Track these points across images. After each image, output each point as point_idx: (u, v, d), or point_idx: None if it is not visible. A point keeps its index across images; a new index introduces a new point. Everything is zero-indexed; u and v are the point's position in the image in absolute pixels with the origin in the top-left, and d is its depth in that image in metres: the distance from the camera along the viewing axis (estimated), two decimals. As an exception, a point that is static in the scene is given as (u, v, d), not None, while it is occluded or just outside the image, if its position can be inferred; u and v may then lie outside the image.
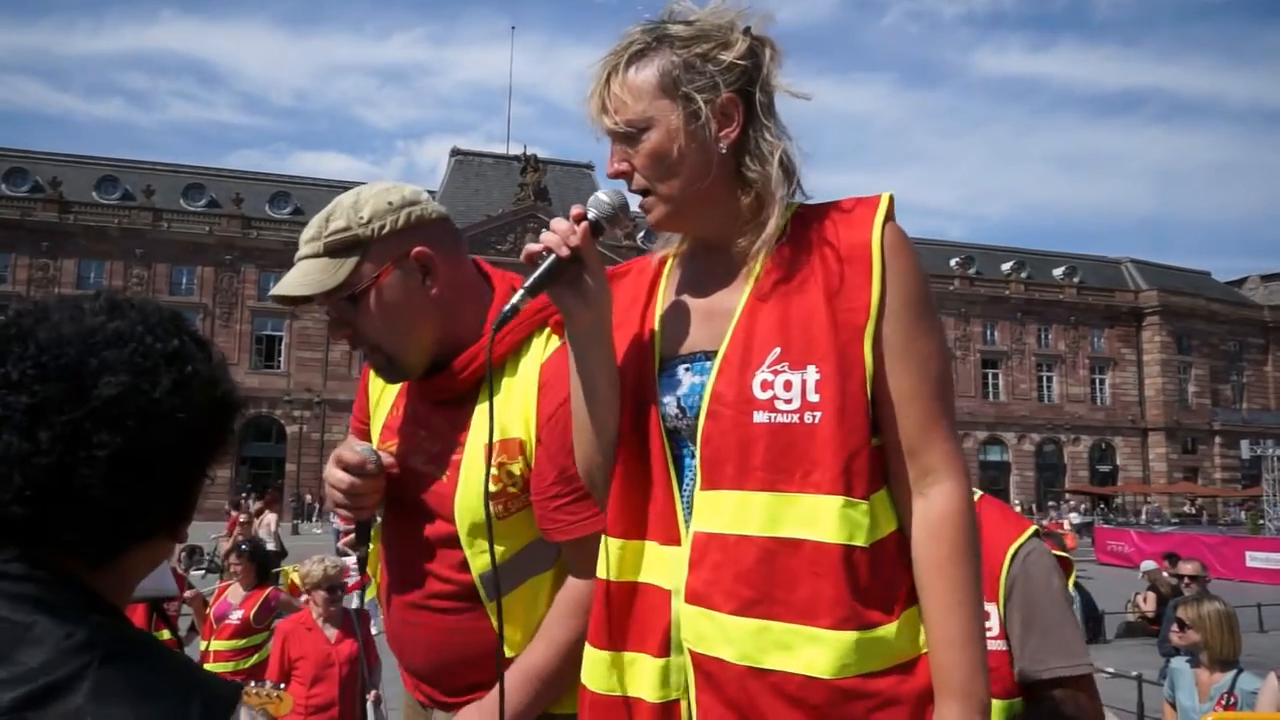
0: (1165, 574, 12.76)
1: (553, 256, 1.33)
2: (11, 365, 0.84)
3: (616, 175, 1.37)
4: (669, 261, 1.49)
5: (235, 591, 6.08)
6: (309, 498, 40.15)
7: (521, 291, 1.34)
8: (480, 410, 1.59)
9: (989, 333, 54.73)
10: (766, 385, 1.27)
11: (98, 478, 0.83)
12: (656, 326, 1.43)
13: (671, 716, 1.30)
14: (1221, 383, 58.69)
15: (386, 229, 1.56)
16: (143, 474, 0.86)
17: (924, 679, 1.24)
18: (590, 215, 1.37)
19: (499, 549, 1.54)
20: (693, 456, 1.35)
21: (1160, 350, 56.55)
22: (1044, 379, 55.90)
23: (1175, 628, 4.99)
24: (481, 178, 51.58)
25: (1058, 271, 59.15)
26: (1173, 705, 4.75)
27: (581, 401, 1.41)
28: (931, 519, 1.27)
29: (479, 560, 1.58)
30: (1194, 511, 45.56)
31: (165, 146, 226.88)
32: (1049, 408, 55.24)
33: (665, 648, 1.31)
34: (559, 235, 1.33)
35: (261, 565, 6.37)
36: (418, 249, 1.58)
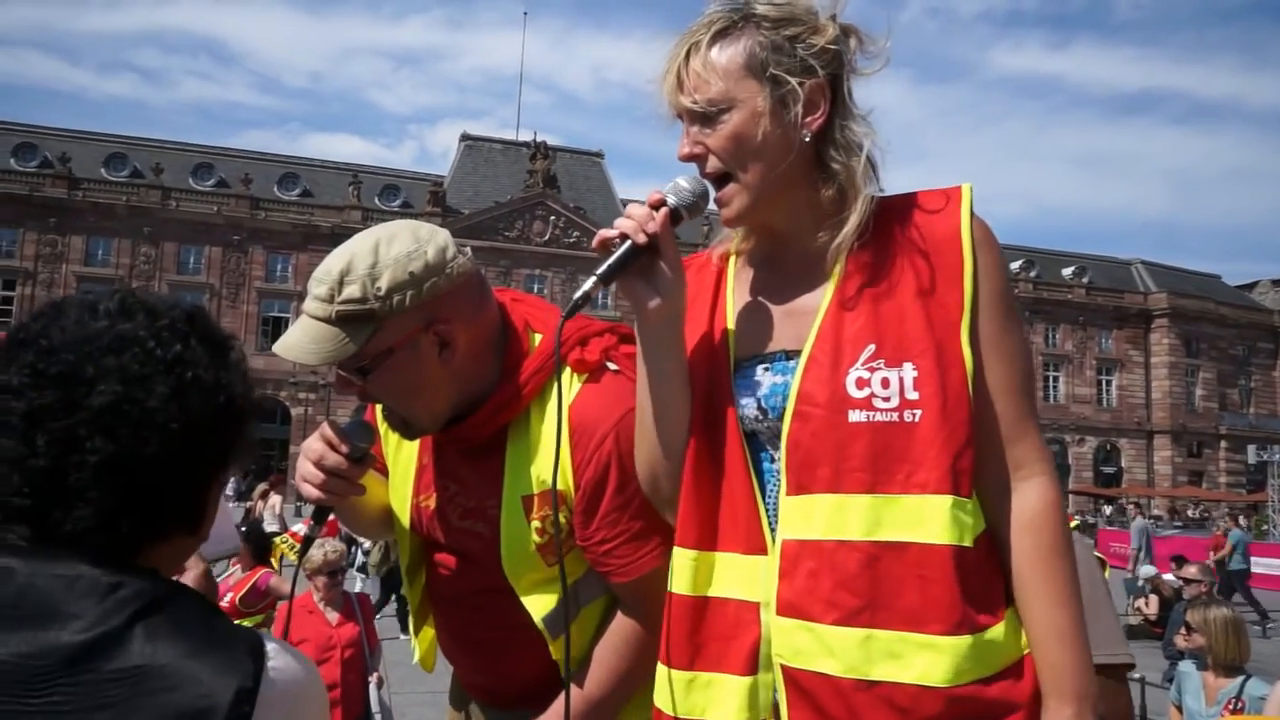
0: (1168, 576, 12.73)
1: (627, 244, 1.26)
2: (14, 372, 0.88)
3: (689, 158, 1.30)
4: (732, 258, 1.43)
5: (233, 574, 6.07)
6: (312, 480, 40.18)
7: (594, 278, 1.27)
8: (514, 462, 1.55)
9: (996, 331, 54.29)
10: (862, 383, 1.22)
11: (89, 481, 0.86)
12: (729, 326, 1.36)
13: None
14: (1229, 387, 58.53)
15: (407, 303, 1.41)
16: (136, 479, 0.88)
17: (1032, 681, 1.21)
18: (670, 202, 1.30)
19: (552, 594, 1.53)
20: (772, 461, 1.29)
21: (1168, 353, 56.43)
22: (1051, 379, 55.83)
23: (1182, 630, 4.97)
24: (491, 164, 51.51)
25: (1067, 271, 58.99)
26: (1179, 708, 4.72)
27: (649, 404, 1.34)
28: (1029, 513, 1.24)
29: (536, 605, 1.55)
30: (1197, 516, 45.44)
31: (177, 125, 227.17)
32: (1055, 408, 55.14)
33: (752, 665, 1.24)
34: (635, 221, 1.26)
35: (258, 548, 6.36)
36: (437, 324, 1.46)
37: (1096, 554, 2.03)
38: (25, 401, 0.86)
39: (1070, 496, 47.46)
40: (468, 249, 1.55)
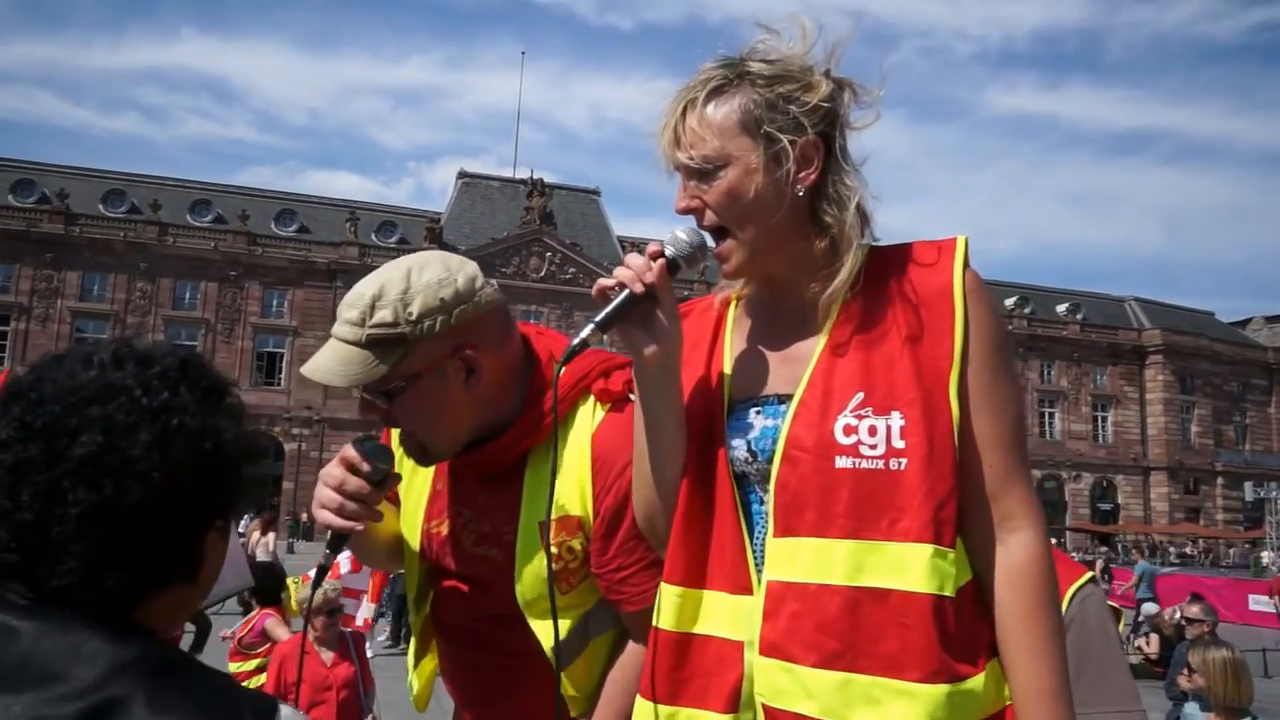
0: (1169, 615, 12.63)
1: (625, 292, 1.29)
2: (2, 426, 0.88)
3: (686, 211, 1.34)
4: (733, 303, 1.47)
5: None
6: (305, 516, 40.01)
7: (591, 326, 1.30)
8: (533, 489, 1.57)
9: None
10: (850, 430, 1.24)
11: (72, 533, 0.85)
12: (725, 369, 1.39)
13: None
14: (1224, 423, 58.69)
15: (437, 329, 1.46)
16: (120, 529, 0.87)
17: None
18: (667, 253, 1.33)
19: (563, 622, 1.53)
20: (761, 502, 1.31)
21: (1163, 389, 56.70)
22: (1046, 415, 55.98)
23: (1184, 671, 4.93)
24: (488, 200, 51.92)
25: (1061, 308, 59.42)
26: (1183, 752, 4.65)
27: (646, 445, 1.37)
28: (1014, 566, 1.25)
29: (544, 632, 1.55)
30: (1194, 554, 45.29)
31: (177, 162, 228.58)
32: (1050, 444, 55.19)
33: (733, 703, 1.25)
34: (634, 271, 1.29)
35: (266, 587, 6.26)
36: (464, 350, 1.50)
37: (1110, 604, 2.01)
38: (11, 454, 0.86)
39: (1067, 534, 47.30)
40: (494, 281, 1.59)
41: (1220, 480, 56.61)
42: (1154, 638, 12.41)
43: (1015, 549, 1.25)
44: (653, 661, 1.34)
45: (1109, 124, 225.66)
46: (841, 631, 1.19)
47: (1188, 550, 45.71)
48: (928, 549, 1.19)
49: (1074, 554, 35.31)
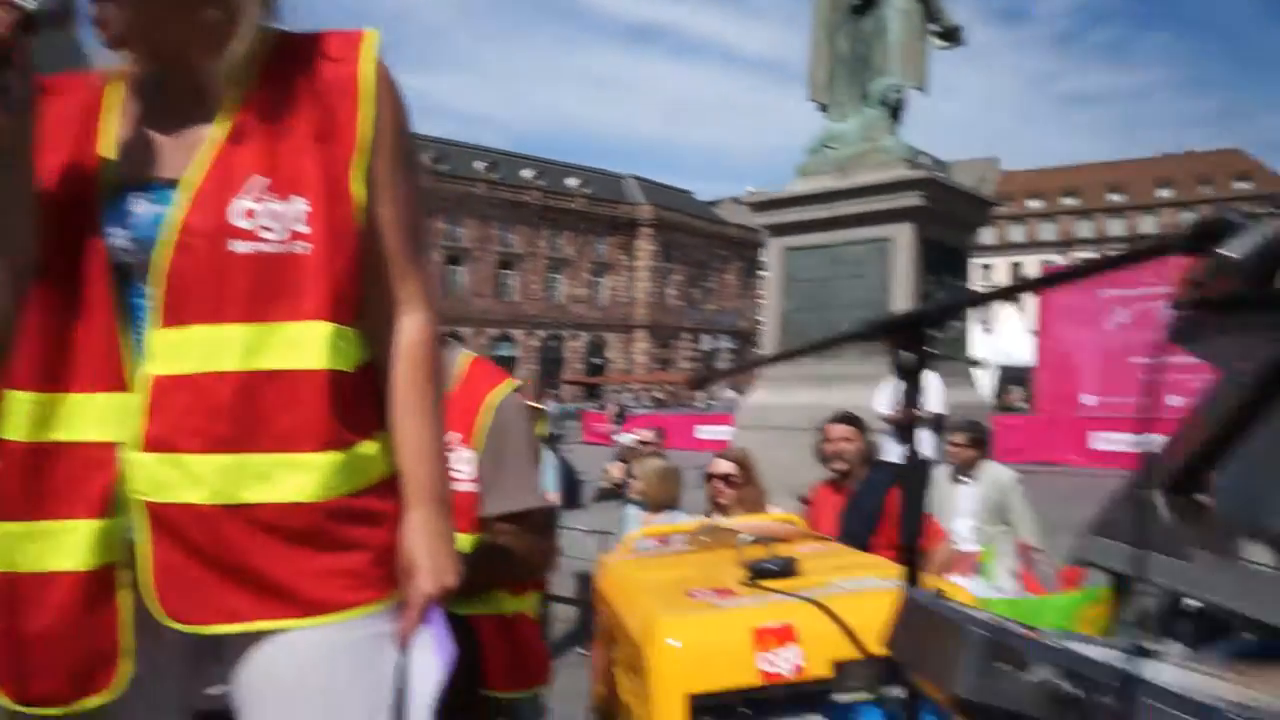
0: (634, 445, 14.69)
1: None
2: None
3: None
4: (115, 83, 1.29)
5: None
6: None
7: None
8: None
9: (507, 235, 58.07)
10: (250, 214, 1.20)
11: None
12: (103, 152, 1.24)
13: (104, 585, 1.17)
14: (695, 288, 69.06)
15: None
16: None
17: (399, 497, 1.30)
18: (28, 6, 1.09)
19: None
20: (143, 296, 1.21)
21: (651, 258, 64.67)
22: (552, 280, 60.69)
23: (630, 479, 5.77)
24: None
25: (572, 181, 63.99)
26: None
27: None
28: (409, 344, 1.32)
29: None
30: (664, 398, 53.26)
31: None
32: (555, 307, 60.28)
33: (105, 508, 1.17)
34: None
35: None
36: None
37: (537, 405, 2.22)
38: None
39: (564, 386, 52.58)
40: None
41: (686, 336, 66.81)
42: (620, 465, 14.40)
43: (410, 328, 1.32)
44: (4, 479, 1.19)
45: (634, 14, 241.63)
46: (236, 416, 1.16)
47: (658, 395, 53.47)
48: (327, 327, 1.20)
49: (571, 405, 39.38)
